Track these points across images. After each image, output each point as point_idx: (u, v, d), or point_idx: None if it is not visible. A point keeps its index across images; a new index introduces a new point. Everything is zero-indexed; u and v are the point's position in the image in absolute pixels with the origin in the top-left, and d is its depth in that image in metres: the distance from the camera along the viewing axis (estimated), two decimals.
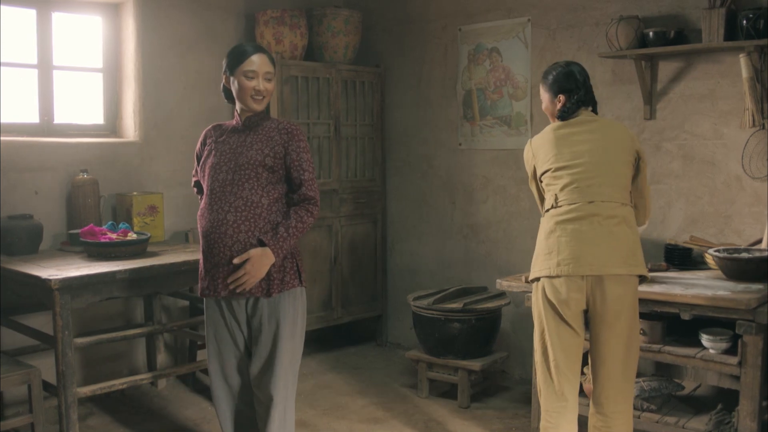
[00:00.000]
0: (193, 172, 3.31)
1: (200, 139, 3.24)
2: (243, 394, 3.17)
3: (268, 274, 2.99)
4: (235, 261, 2.95)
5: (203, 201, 3.09)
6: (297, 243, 3.11)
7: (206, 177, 3.08)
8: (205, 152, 3.15)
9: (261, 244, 2.96)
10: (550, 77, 3.23)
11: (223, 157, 3.06)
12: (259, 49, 3.06)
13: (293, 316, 3.07)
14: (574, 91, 3.17)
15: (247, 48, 3.05)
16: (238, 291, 2.97)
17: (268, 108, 5.08)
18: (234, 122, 3.14)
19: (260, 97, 3.05)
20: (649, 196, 3.28)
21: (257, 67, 3.02)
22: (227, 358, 3.12)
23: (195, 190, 3.40)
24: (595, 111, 3.26)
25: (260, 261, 2.94)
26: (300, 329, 3.13)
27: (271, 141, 3.05)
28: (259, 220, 2.98)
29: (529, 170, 3.32)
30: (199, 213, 3.10)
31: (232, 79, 3.06)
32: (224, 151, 3.07)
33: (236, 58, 3.04)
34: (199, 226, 3.08)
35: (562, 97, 3.19)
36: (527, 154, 3.31)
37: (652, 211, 3.36)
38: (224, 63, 3.10)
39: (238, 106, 3.11)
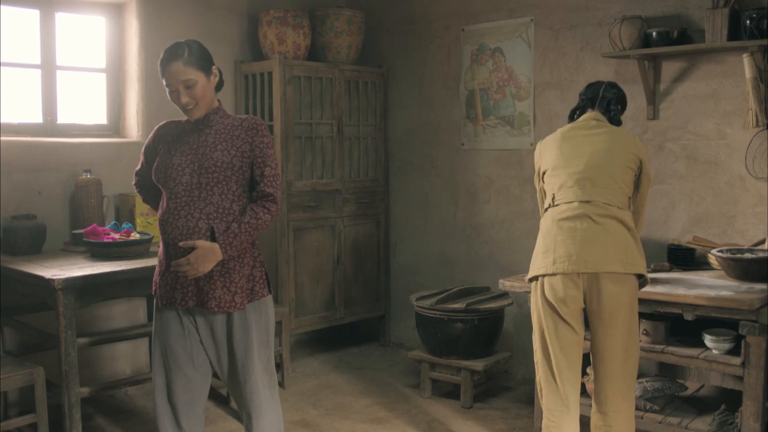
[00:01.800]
0: (138, 167, 3.09)
1: (152, 134, 3.01)
2: (187, 413, 2.95)
3: (237, 285, 2.83)
4: (181, 245, 2.75)
5: (164, 205, 2.85)
6: (261, 248, 2.97)
7: (166, 179, 2.84)
8: (162, 150, 2.91)
9: (212, 233, 2.77)
10: None
11: (184, 158, 2.83)
12: (175, 56, 2.78)
13: (266, 325, 2.95)
14: (581, 94, 3.37)
15: (162, 57, 2.80)
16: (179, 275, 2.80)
17: (269, 110, 5.06)
18: (190, 119, 2.90)
19: (191, 107, 2.81)
20: (644, 211, 3.34)
21: (173, 80, 2.77)
22: (176, 375, 2.91)
23: (137, 189, 3.17)
24: (613, 123, 3.33)
25: (205, 256, 2.73)
26: (272, 336, 3.01)
27: (236, 139, 2.84)
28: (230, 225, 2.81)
29: (536, 168, 3.39)
30: (160, 217, 2.85)
31: None
32: (184, 151, 2.85)
33: (159, 69, 2.82)
34: (162, 232, 2.84)
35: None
36: (536, 153, 3.39)
37: (643, 227, 3.42)
38: None
39: None
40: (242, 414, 3.01)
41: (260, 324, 2.93)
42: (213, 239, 2.77)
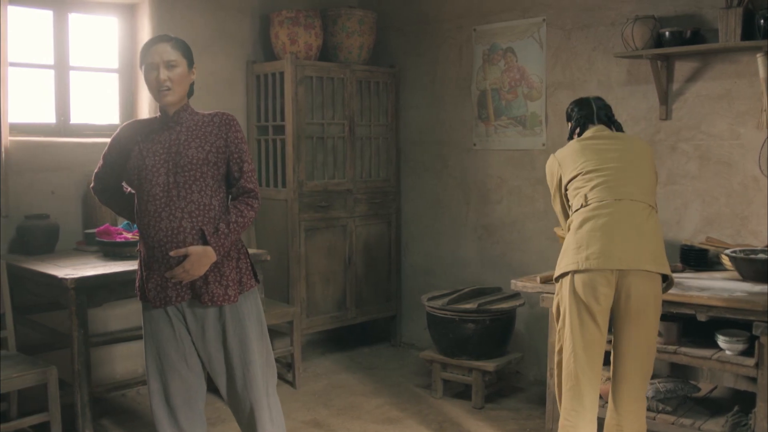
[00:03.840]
0: (97, 169, 3.03)
1: (116, 135, 2.96)
2: (186, 413, 2.94)
3: (228, 278, 2.83)
4: (172, 254, 2.74)
5: (143, 208, 2.81)
6: (242, 240, 2.97)
7: (141, 181, 2.80)
8: (133, 152, 2.85)
9: (202, 235, 2.77)
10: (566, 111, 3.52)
11: (157, 159, 2.80)
12: (162, 39, 2.83)
13: (257, 316, 2.95)
14: (576, 113, 3.41)
15: (148, 42, 2.84)
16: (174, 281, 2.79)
17: (281, 110, 5.08)
18: (157, 118, 2.90)
19: (166, 88, 2.79)
20: None
21: (157, 57, 2.78)
22: (171, 376, 2.89)
23: (96, 192, 3.10)
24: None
25: (200, 260, 2.74)
26: (265, 327, 3.00)
27: (209, 135, 2.84)
28: (215, 223, 2.80)
29: (553, 183, 3.37)
30: (141, 221, 2.82)
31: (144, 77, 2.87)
32: (157, 151, 2.81)
33: (141, 56, 2.84)
34: (145, 236, 2.81)
35: (570, 124, 3.44)
36: (552, 166, 3.37)
37: None
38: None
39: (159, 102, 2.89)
40: (238, 413, 2.96)
41: (252, 315, 2.92)
42: (203, 241, 2.77)
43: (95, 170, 3.05)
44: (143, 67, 2.83)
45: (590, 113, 3.35)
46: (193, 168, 2.78)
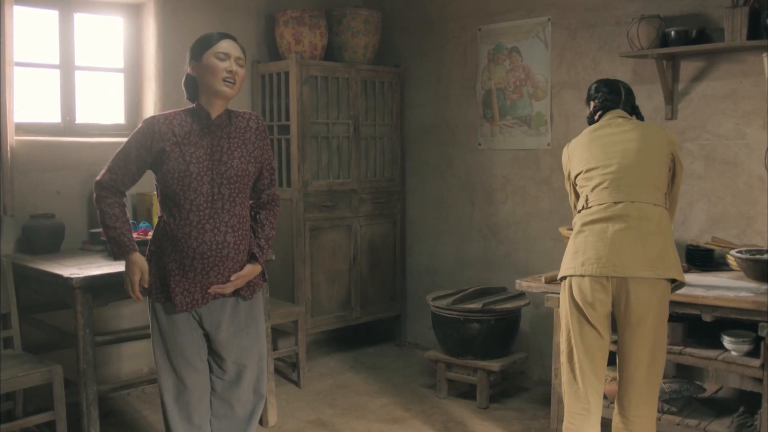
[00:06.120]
0: (114, 166, 2.84)
1: (147, 129, 2.80)
2: (198, 407, 2.97)
3: (252, 282, 2.97)
4: (233, 279, 2.85)
5: (183, 216, 2.77)
6: None
7: (185, 188, 2.76)
8: (175, 153, 2.77)
9: (243, 249, 2.88)
10: (589, 89, 3.38)
11: (201, 166, 2.77)
12: (231, 36, 2.84)
13: (263, 312, 3.10)
14: (603, 95, 3.28)
15: (214, 34, 2.83)
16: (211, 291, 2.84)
17: (286, 110, 5.09)
18: (192, 114, 2.84)
19: (232, 81, 2.77)
20: (677, 200, 3.26)
21: (230, 49, 2.79)
22: (187, 371, 2.92)
23: (100, 185, 2.86)
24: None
25: (248, 278, 2.91)
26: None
27: (249, 144, 2.87)
28: (248, 234, 2.91)
29: (565, 173, 3.36)
30: (181, 230, 2.76)
31: (199, 65, 2.78)
32: (200, 157, 2.77)
33: (204, 43, 2.79)
34: (184, 246, 2.76)
35: (592, 103, 3.33)
36: (564, 158, 3.35)
37: (674, 216, 3.35)
38: (188, 54, 2.83)
39: (203, 98, 2.82)
40: (234, 408, 3.03)
41: (261, 311, 3.07)
42: (245, 254, 2.89)
43: (106, 170, 2.87)
44: (204, 56, 2.77)
45: (617, 100, 3.26)
46: (238, 180, 2.83)
